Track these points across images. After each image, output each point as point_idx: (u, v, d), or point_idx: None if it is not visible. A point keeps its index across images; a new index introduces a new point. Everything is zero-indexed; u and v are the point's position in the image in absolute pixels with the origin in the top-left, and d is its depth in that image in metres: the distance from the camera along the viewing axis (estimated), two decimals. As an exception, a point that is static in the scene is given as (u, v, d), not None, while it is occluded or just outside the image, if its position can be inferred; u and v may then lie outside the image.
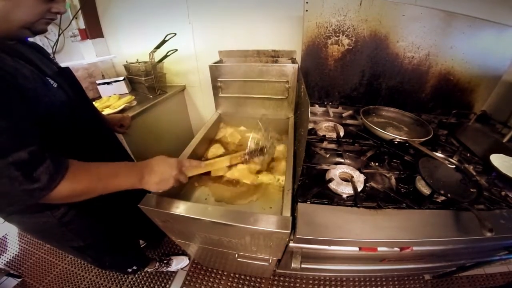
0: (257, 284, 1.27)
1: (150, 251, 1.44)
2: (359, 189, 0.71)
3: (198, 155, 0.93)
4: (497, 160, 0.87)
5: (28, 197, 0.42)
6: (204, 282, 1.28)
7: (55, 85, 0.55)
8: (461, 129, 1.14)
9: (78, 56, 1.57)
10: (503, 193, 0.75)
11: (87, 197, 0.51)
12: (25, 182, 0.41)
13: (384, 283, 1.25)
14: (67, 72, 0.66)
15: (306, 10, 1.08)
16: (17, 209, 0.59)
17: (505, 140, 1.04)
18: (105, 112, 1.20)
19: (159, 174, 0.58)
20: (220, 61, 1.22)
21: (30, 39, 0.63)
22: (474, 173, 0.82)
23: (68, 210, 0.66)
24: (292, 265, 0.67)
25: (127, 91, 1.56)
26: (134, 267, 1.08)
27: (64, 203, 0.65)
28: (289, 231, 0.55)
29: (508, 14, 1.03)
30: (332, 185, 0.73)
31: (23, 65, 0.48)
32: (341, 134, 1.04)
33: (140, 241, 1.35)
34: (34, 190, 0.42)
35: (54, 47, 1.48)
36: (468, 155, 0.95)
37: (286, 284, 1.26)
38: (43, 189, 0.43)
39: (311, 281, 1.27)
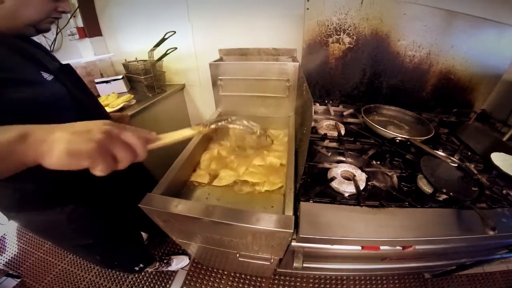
0: (257, 284, 1.27)
1: (151, 249, 1.43)
2: (361, 188, 0.71)
3: (198, 155, 0.92)
4: (498, 158, 0.87)
5: None
6: (205, 282, 1.28)
7: (49, 78, 0.54)
8: (461, 127, 1.14)
9: (76, 54, 1.56)
10: (504, 191, 0.75)
11: None
12: None
13: (384, 281, 1.25)
14: (67, 69, 0.66)
15: (307, 8, 1.07)
16: (26, 205, 0.58)
17: (505, 138, 1.05)
18: (104, 111, 1.19)
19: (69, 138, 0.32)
20: (220, 60, 1.21)
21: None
22: (476, 172, 0.82)
23: (77, 206, 0.66)
24: (294, 265, 0.67)
25: (126, 90, 1.54)
26: (141, 265, 1.08)
27: (73, 199, 0.65)
28: (292, 231, 0.55)
29: (509, 13, 1.03)
30: (334, 184, 0.73)
31: (18, 60, 0.48)
32: (342, 132, 1.04)
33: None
34: None
35: (52, 45, 1.47)
36: (469, 153, 0.95)
37: (287, 283, 1.26)
38: None
39: (311, 280, 1.27)
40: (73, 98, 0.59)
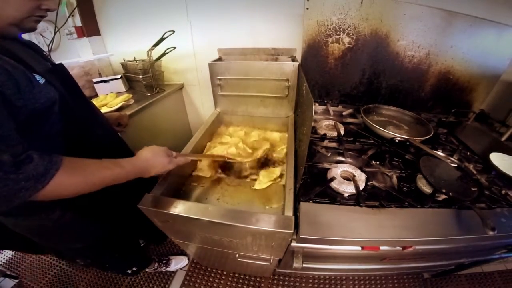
0: (257, 284, 1.26)
1: (149, 250, 1.43)
2: (361, 188, 0.71)
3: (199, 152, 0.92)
4: (497, 158, 0.87)
5: (15, 197, 0.40)
6: (204, 282, 1.27)
7: (41, 81, 0.51)
8: (460, 127, 1.15)
9: (74, 54, 1.54)
10: (503, 191, 0.76)
11: (81, 193, 0.49)
12: (10, 182, 0.39)
13: (384, 281, 1.25)
14: (59, 69, 0.63)
15: (307, 8, 1.07)
16: (11, 210, 0.58)
17: (503, 138, 1.05)
18: (102, 110, 1.18)
19: (157, 164, 0.62)
20: (219, 59, 1.20)
21: (24, 36, 0.61)
22: (475, 172, 0.82)
23: (65, 212, 0.65)
24: (294, 265, 0.66)
25: (124, 90, 1.53)
26: (134, 268, 1.07)
27: (60, 205, 0.63)
28: (292, 231, 0.54)
29: (508, 13, 1.03)
30: (334, 184, 0.72)
31: (6, 61, 0.45)
32: (342, 132, 1.04)
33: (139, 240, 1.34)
34: (20, 190, 0.40)
35: (50, 45, 1.45)
36: (468, 153, 0.95)
37: (286, 283, 1.26)
38: (29, 188, 0.40)
39: (311, 280, 1.27)
40: (63, 102, 0.56)
